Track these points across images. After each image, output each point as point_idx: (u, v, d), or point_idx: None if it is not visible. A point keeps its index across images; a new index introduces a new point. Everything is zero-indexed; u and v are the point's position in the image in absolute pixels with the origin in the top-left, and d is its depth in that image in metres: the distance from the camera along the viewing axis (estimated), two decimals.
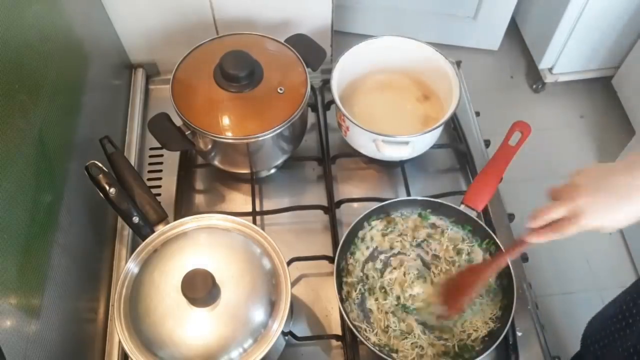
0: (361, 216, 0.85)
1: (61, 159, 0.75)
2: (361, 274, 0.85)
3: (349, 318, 0.77)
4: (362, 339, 0.74)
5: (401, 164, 0.98)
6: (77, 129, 0.81)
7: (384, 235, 0.88)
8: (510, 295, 0.79)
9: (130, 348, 0.65)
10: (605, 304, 0.95)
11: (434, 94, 1.01)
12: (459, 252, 0.87)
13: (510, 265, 0.80)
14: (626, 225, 0.63)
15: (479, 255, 0.86)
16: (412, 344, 0.79)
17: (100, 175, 0.75)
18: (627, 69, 2.03)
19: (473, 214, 0.85)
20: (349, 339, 0.81)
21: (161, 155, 1.01)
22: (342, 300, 0.78)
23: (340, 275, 0.83)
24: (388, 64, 1.02)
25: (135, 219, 0.76)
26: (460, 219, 0.87)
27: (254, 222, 0.91)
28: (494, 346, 0.74)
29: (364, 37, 0.98)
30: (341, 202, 0.94)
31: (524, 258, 0.91)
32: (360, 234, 0.87)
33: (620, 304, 0.87)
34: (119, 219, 0.91)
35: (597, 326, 0.92)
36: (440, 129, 0.92)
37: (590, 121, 2.13)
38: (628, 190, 0.61)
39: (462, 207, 0.86)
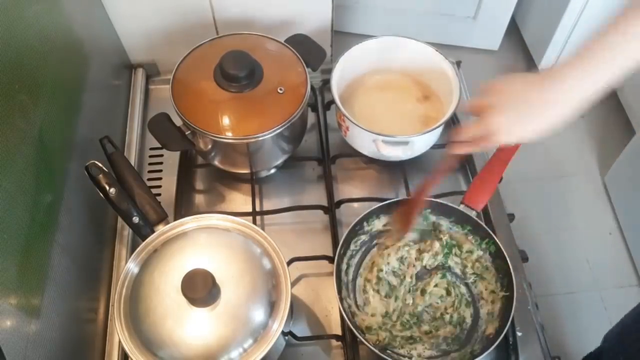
0: (361, 216, 0.85)
1: (61, 159, 0.75)
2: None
3: (349, 318, 0.77)
4: (362, 339, 0.74)
5: (401, 164, 0.98)
6: (77, 129, 0.81)
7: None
8: (510, 295, 0.79)
9: (130, 348, 0.65)
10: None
11: (434, 94, 1.01)
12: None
13: (510, 265, 0.80)
14: (532, 141, 0.65)
15: (478, 255, 0.86)
16: (409, 337, 0.79)
17: (100, 175, 0.75)
18: None
19: (472, 214, 0.85)
20: (349, 339, 0.81)
21: (161, 155, 1.01)
22: (342, 300, 0.78)
23: (340, 275, 0.83)
24: (388, 64, 1.02)
25: (135, 219, 0.76)
26: (460, 219, 0.87)
27: (254, 222, 0.91)
28: (494, 346, 0.74)
29: (364, 37, 0.98)
30: (341, 202, 0.94)
31: (524, 258, 0.91)
32: (360, 233, 0.87)
33: (635, 316, 0.87)
34: (119, 219, 0.91)
35: (613, 339, 0.91)
36: (440, 129, 0.92)
37: (590, 121, 2.13)
38: (541, 106, 0.63)
39: (461, 207, 0.86)
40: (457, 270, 0.87)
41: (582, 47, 0.61)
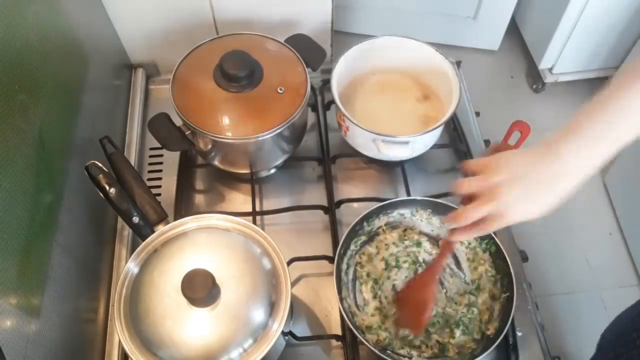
0: (361, 216, 0.85)
1: (61, 159, 0.75)
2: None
3: (349, 318, 0.77)
4: (362, 339, 0.74)
5: (401, 164, 0.98)
6: (77, 129, 0.81)
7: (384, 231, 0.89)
8: (510, 295, 0.79)
9: (130, 348, 0.65)
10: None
11: (434, 94, 1.01)
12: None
13: (510, 266, 0.80)
14: (542, 216, 0.62)
15: (478, 255, 0.86)
16: (410, 340, 0.79)
17: (100, 175, 0.75)
18: None
19: None
20: (349, 339, 0.81)
21: (161, 155, 1.01)
22: (342, 300, 0.78)
23: (340, 275, 0.83)
24: (388, 64, 1.02)
25: (135, 219, 0.76)
26: None
27: (254, 222, 0.91)
28: (494, 346, 0.74)
29: (364, 37, 0.98)
30: (341, 202, 0.94)
31: (524, 258, 0.91)
32: (361, 233, 0.87)
33: (634, 315, 0.87)
34: (119, 219, 0.91)
35: (610, 339, 0.91)
36: (440, 129, 0.92)
37: None
38: (552, 180, 0.60)
39: (461, 207, 0.86)
40: (457, 271, 0.87)
41: (577, 119, 0.59)
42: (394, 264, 0.86)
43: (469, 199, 0.65)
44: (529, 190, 0.61)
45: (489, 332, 0.79)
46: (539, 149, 0.61)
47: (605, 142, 0.58)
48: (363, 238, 0.88)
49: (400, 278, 0.85)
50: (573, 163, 0.59)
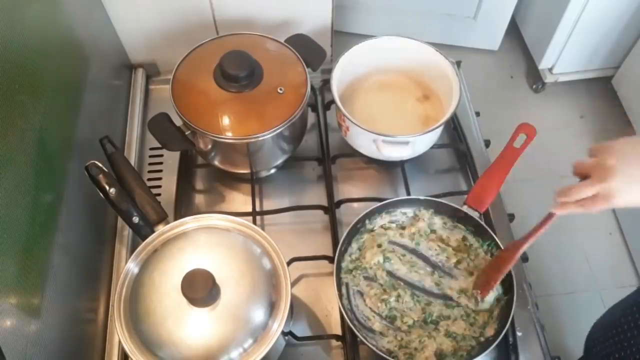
0: (363, 214, 0.85)
1: (61, 159, 0.75)
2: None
3: (349, 318, 0.77)
4: (362, 339, 0.74)
5: (401, 164, 0.98)
6: (77, 129, 0.81)
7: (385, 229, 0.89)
8: (510, 297, 0.79)
9: (130, 348, 0.65)
10: (605, 303, 0.95)
11: (434, 94, 1.01)
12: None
13: (511, 268, 0.80)
14: None
15: (479, 256, 0.86)
16: (408, 340, 0.79)
17: (100, 175, 0.75)
18: (627, 69, 2.03)
19: (475, 215, 0.85)
20: (349, 339, 0.81)
21: (161, 155, 1.01)
22: (341, 297, 0.78)
23: (340, 273, 0.83)
24: (388, 64, 1.02)
25: (135, 219, 0.76)
26: (462, 220, 0.87)
27: (254, 222, 0.90)
28: (493, 346, 0.74)
29: (364, 37, 0.98)
30: (341, 202, 0.94)
31: (524, 258, 0.91)
32: (363, 231, 0.87)
33: (625, 307, 0.87)
34: (119, 219, 0.91)
35: (600, 331, 0.92)
36: (440, 129, 0.92)
37: (590, 121, 2.13)
38: None
39: (464, 208, 0.86)
40: (456, 271, 0.87)
41: None
42: (391, 258, 0.86)
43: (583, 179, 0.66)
44: (638, 179, 0.61)
45: (488, 334, 0.79)
46: None
47: None
48: (365, 236, 0.88)
49: (397, 271, 0.85)
50: None
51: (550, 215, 0.73)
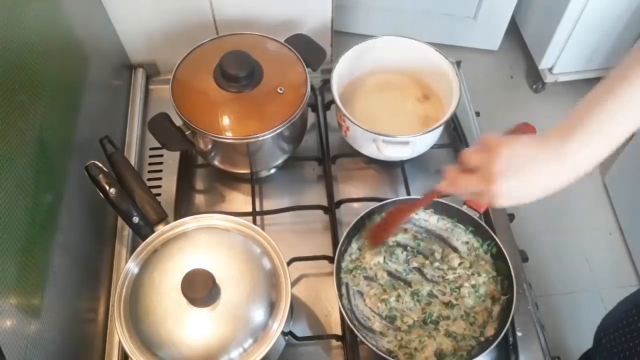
0: (364, 213, 0.85)
1: (61, 159, 0.75)
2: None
3: (348, 318, 0.77)
4: (362, 339, 0.74)
5: (401, 164, 0.98)
6: (77, 129, 0.81)
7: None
8: (510, 297, 0.79)
9: (130, 348, 0.65)
10: (605, 303, 0.95)
11: (434, 94, 1.01)
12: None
13: (511, 268, 0.80)
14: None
15: (479, 256, 0.86)
16: (408, 340, 0.79)
17: (100, 175, 0.75)
18: None
19: (475, 215, 0.85)
20: (349, 339, 0.81)
21: (161, 155, 1.01)
22: (341, 297, 0.78)
23: (340, 272, 0.83)
24: (388, 64, 1.02)
25: (135, 219, 0.76)
26: (462, 220, 0.87)
27: (254, 222, 0.90)
28: (493, 346, 0.74)
29: (364, 37, 0.98)
30: (341, 202, 0.94)
31: (524, 258, 0.91)
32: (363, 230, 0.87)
33: (636, 299, 0.87)
34: (119, 219, 0.91)
35: (611, 322, 0.92)
36: (440, 129, 0.92)
37: None
38: (551, 175, 0.61)
39: (464, 208, 0.86)
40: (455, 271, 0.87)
41: (577, 113, 0.60)
42: (391, 258, 0.86)
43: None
44: (524, 182, 0.62)
45: (487, 333, 0.79)
46: (541, 143, 0.62)
47: (606, 138, 0.58)
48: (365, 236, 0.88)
49: (396, 268, 0.85)
50: (574, 159, 0.59)
51: (433, 194, 0.76)
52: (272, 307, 0.69)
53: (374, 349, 0.74)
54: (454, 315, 0.81)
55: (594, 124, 0.58)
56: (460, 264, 0.86)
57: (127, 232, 0.90)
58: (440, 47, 0.97)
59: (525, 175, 0.61)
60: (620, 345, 0.86)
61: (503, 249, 0.82)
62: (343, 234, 0.84)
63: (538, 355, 0.82)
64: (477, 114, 1.08)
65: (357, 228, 0.86)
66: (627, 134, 0.58)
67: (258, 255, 0.72)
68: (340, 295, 0.79)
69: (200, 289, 0.63)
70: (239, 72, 0.83)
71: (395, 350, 0.79)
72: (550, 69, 2.15)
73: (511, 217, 0.95)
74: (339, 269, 0.82)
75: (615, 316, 0.92)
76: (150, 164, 1.01)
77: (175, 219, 0.81)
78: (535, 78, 2.21)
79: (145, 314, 0.67)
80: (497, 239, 0.83)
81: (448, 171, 0.69)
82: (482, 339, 0.79)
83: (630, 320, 0.85)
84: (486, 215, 0.92)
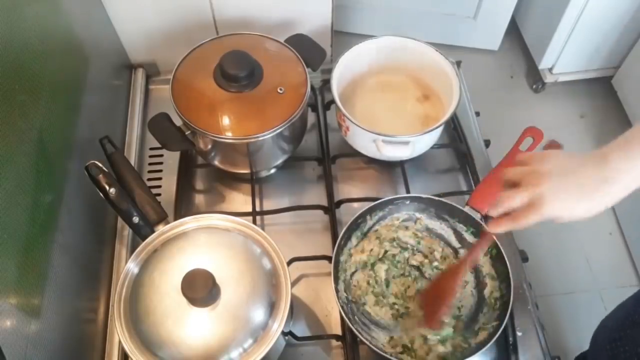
0: (364, 209, 0.85)
1: (61, 159, 0.75)
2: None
3: (348, 319, 0.77)
4: (363, 339, 0.74)
5: (401, 164, 0.98)
6: (77, 129, 0.81)
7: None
8: (507, 299, 0.78)
9: (130, 348, 0.65)
10: (605, 303, 0.95)
11: (434, 94, 1.01)
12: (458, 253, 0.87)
13: (509, 269, 0.79)
14: (580, 219, 0.61)
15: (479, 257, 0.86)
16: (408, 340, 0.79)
17: (100, 175, 0.75)
18: (627, 69, 2.03)
19: (477, 216, 0.85)
20: (349, 339, 0.81)
21: (161, 155, 1.01)
22: (337, 292, 0.78)
23: (338, 267, 0.82)
24: (388, 64, 1.02)
25: (135, 219, 0.76)
26: (463, 220, 0.87)
27: (254, 222, 0.90)
28: (489, 345, 0.73)
29: (364, 37, 0.98)
30: (341, 202, 0.94)
31: (524, 258, 0.91)
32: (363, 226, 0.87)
33: (632, 303, 0.87)
34: (119, 219, 0.91)
35: (609, 325, 0.91)
36: (440, 129, 0.92)
37: (590, 121, 2.13)
38: (594, 186, 0.59)
39: (466, 209, 0.86)
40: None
41: (628, 136, 0.59)
42: (391, 257, 0.86)
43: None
44: (572, 188, 0.59)
45: (482, 334, 0.79)
46: (589, 154, 0.60)
47: None
48: (365, 233, 0.88)
49: (397, 270, 0.85)
50: (624, 171, 0.58)
51: (485, 235, 0.71)
52: (272, 307, 0.69)
53: (374, 348, 0.74)
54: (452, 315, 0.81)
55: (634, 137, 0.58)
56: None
57: (127, 232, 0.90)
58: (440, 47, 0.97)
59: (574, 180, 0.59)
60: (617, 349, 0.86)
61: (502, 250, 0.82)
62: (344, 229, 0.83)
63: (538, 355, 0.82)
64: (477, 114, 1.08)
65: (357, 225, 0.86)
66: None
67: (258, 255, 0.72)
68: (337, 289, 0.78)
69: (200, 289, 0.63)
70: (239, 72, 0.83)
71: (395, 350, 0.79)
72: (550, 69, 2.15)
73: None
74: (337, 261, 0.81)
75: (614, 319, 0.92)
76: (150, 164, 1.01)
77: (175, 219, 0.81)
78: (535, 78, 2.21)
79: (145, 314, 0.67)
80: (497, 240, 0.83)
81: (491, 203, 0.64)
82: (480, 339, 0.79)
83: (628, 323, 0.85)
84: (487, 216, 0.92)
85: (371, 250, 0.86)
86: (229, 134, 0.83)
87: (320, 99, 1.08)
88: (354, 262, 0.85)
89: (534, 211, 0.60)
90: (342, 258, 0.84)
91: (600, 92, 2.18)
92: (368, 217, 0.87)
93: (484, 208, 0.86)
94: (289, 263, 0.83)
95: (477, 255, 0.74)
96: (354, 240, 0.87)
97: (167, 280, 0.68)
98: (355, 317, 0.81)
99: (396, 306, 0.83)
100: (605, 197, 0.59)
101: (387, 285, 0.85)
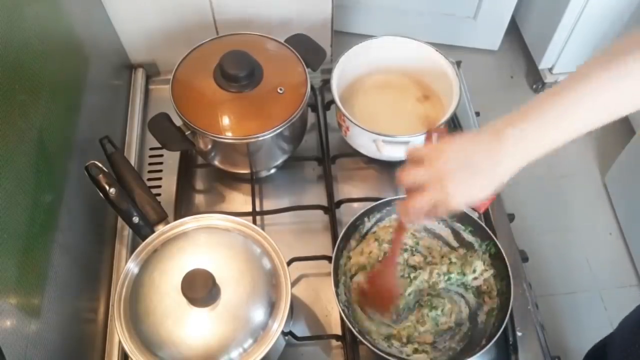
0: (362, 211, 0.85)
1: (61, 159, 0.75)
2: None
3: (348, 319, 0.77)
4: (363, 339, 0.74)
5: (401, 164, 0.98)
6: (77, 129, 0.81)
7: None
8: (507, 295, 0.78)
9: (130, 348, 0.65)
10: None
11: (434, 94, 1.01)
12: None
13: (509, 269, 0.79)
14: (479, 201, 0.63)
15: (478, 256, 0.86)
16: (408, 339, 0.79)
17: (100, 175, 0.75)
18: None
19: (475, 215, 0.85)
20: (349, 339, 0.81)
21: (161, 155, 1.01)
22: (337, 295, 0.78)
23: (338, 270, 0.82)
24: (388, 64, 1.02)
25: (135, 219, 0.76)
26: (461, 219, 0.87)
27: (254, 222, 0.91)
28: (489, 345, 0.73)
29: (364, 37, 0.98)
30: (341, 202, 0.94)
31: (524, 258, 0.91)
32: (362, 228, 0.87)
33: None
34: (119, 219, 0.91)
35: (629, 321, 0.90)
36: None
37: None
38: (493, 165, 0.59)
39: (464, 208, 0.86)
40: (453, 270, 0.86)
41: (530, 106, 0.59)
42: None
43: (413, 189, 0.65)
44: (470, 176, 0.61)
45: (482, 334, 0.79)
46: (482, 135, 0.61)
47: (550, 132, 0.58)
48: (364, 234, 0.88)
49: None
50: (515, 148, 0.59)
51: (401, 228, 0.73)
52: (272, 307, 0.69)
53: (374, 349, 0.74)
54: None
55: (540, 114, 0.58)
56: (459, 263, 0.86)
57: (127, 232, 0.90)
58: (440, 47, 0.97)
59: (470, 168, 0.60)
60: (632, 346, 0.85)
61: (501, 249, 0.82)
62: (342, 231, 0.83)
63: (538, 355, 0.82)
64: (477, 114, 1.08)
65: (355, 226, 0.86)
66: (574, 132, 0.58)
67: (258, 255, 0.72)
68: (337, 292, 0.78)
69: (200, 289, 0.63)
70: (239, 72, 0.83)
71: (395, 350, 0.79)
72: (550, 69, 2.15)
73: (511, 217, 0.95)
74: (337, 266, 0.82)
75: (633, 317, 0.90)
76: (150, 164, 1.01)
77: (175, 219, 0.81)
78: (535, 78, 2.21)
79: (145, 314, 0.67)
80: (495, 239, 0.83)
81: (397, 205, 0.67)
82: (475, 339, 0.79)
83: None
84: (486, 215, 0.92)
85: (370, 252, 0.86)
86: (229, 134, 0.83)
87: (320, 99, 1.08)
88: (354, 263, 0.85)
89: (442, 207, 0.62)
90: (342, 261, 0.84)
91: None
92: (366, 219, 0.87)
93: (481, 207, 0.86)
94: (289, 263, 0.83)
95: (397, 253, 0.78)
96: (352, 243, 0.87)
97: (167, 280, 0.68)
98: (356, 319, 0.81)
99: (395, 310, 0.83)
100: (500, 176, 0.60)
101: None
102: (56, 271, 0.68)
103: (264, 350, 0.66)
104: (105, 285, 0.85)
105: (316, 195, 0.98)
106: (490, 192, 0.61)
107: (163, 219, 0.78)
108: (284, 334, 0.72)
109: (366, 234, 0.88)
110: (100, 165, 0.76)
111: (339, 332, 0.83)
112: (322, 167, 1.00)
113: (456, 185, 0.60)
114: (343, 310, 0.77)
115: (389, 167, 1.01)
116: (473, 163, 0.60)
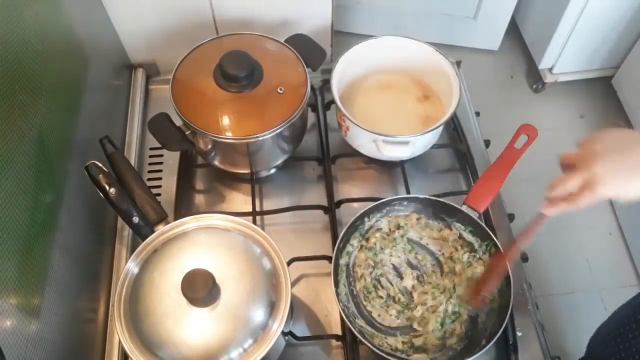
0: (362, 211, 0.85)
1: (61, 159, 0.75)
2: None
3: (348, 319, 0.77)
4: (363, 339, 0.74)
5: (401, 164, 0.98)
6: (77, 129, 0.81)
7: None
8: (507, 295, 0.78)
9: (130, 348, 0.65)
10: (605, 304, 0.94)
11: (434, 94, 1.01)
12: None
13: (509, 269, 0.79)
14: (637, 200, 0.59)
15: (478, 256, 0.86)
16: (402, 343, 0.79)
17: (100, 175, 0.75)
18: (627, 69, 2.03)
19: (475, 215, 0.85)
20: (349, 339, 0.81)
21: (161, 155, 1.01)
22: (337, 295, 0.78)
23: (338, 270, 0.82)
24: (388, 64, 1.02)
25: (135, 219, 0.76)
26: (461, 219, 0.87)
27: (254, 222, 0.90)
28: (489, 345, 0.74)
29: (364, 37, 0.98)
30: (341, 202, 0.94)
31: (524, 258, 0.91)
32: (360, 229, 0.87)
33: (630, 307, 0.87)
34: (119, 219, 0.91)
35: (605, 332, 0.91)
36: (440, 129, 0.92)
37: (590, 121, 2.13)
38: None
39: (463, 208, 0.86)
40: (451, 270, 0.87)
41: None
42: (390, 256, 0.86)
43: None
44: (626, 166, 0.58)
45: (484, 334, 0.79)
46: None
47: None
48: (363, 234, 0.88)
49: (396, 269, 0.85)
50: None
51: (540, 216, 0.70)
52: (272, 307, 0.69)
53: (374, 348, 0.74)
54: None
55: None
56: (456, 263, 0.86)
57: (127, 232, 0.90)
58: (440, 47, 0.97)
59: (628, 158, 0.58)
60: (612, 356, 0.85)
61: (501, 249, 0.82)
62: (342, 231, 0.83)
63: (538, 355, 0.82)
64: (477, 114, 1.08)
65: (355, 226, 0.86)
66: None
67: (258, 255, 0.72)
68: (337, 292, 0.78)
69: (200, 289, 0.63)
70: (239, 72, 0.83)
71: (395, 349, 0.79)
72: (550, 69, 2.15)
73: (511, 217, 0.95)
74: (337, 266, 0.82)
75: (609, 326, 0.91)
76: (150, 164, 1.01)
77: (175, 219, 0.81)
78: (535, 78, 2.21)
79: (145, 314, 0.67)
80: (495, 239, 0.83)
81: (547, 186, 0.64)
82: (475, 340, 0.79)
83: (622, 330, 0.85)
84: (486, 215, 0.92)
85: (371, 253, 0.86)
86: (229, 134, 0.83)
87: (320, 99, 1.08)
88: (355, 265, 0.85)
89: (588, 192, 0.60)
90: (342, 261, 0.84)
91: (600, 92, 2.18)
92: (366, 219, 0.87)
93: (481, 207, 0.86)
94: (289, 263, 0.83)
95: (529, 236, 0.73)
96: (353, 243, 0.86)
97: (167, 280, 0.68)
98: (357, 319, 0.81)
99: (397, 306, 0.83)
100: None
101: (389, 286, 0.85)
102: (56, 271, 0.68)
103: (264, 350, 0.66)
104: (105, 285, 0.85)
105: (316, 195, 0.98)
106: None
107: (163, 219, 0.78)
108: (284, 334, 0.72)
109: (366, 233, 0.88)
110: (100, 165, 0.75)
111: (339, 332, 0.83)
112: (322, 167, 1.00)
113: (607, 171, 0.58)
114: (343, 310, 0.77)
115: (389, 167, 1.01)
116: (630, 154, 0.58)
